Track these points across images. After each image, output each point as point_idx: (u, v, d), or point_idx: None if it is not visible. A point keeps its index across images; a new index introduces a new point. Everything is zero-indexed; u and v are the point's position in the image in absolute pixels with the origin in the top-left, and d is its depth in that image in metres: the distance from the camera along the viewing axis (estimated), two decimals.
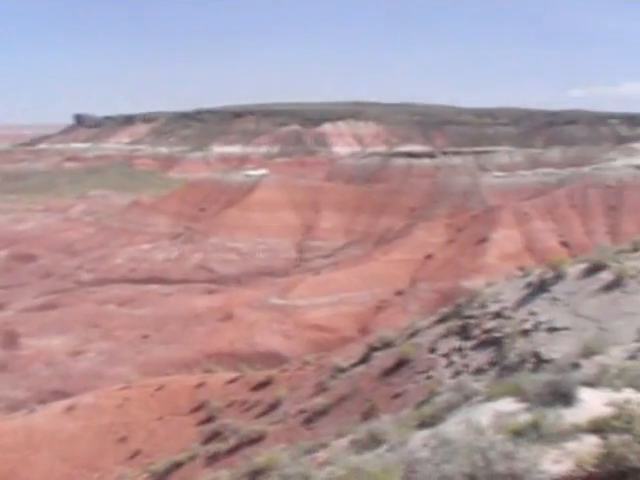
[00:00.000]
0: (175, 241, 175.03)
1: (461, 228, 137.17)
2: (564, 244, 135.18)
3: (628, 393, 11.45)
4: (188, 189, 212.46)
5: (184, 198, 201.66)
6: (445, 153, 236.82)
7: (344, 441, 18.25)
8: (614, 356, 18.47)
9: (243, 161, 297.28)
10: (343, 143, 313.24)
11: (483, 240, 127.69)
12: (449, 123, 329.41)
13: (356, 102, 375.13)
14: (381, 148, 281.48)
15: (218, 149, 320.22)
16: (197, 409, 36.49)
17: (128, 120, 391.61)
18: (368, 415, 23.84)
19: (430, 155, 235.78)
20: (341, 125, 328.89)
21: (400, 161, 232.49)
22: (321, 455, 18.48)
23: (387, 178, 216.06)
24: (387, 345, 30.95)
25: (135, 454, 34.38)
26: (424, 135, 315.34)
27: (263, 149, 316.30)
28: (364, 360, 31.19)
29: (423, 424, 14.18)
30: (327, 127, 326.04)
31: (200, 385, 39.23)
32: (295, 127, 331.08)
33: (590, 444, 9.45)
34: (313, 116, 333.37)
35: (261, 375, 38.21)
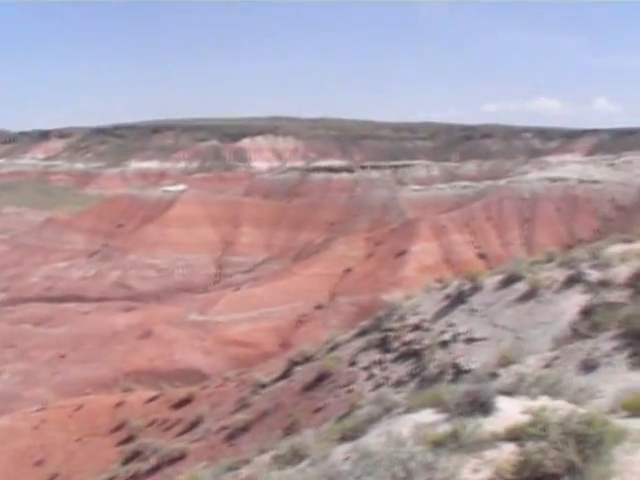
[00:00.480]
0: (92, 258, 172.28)
1: (380, 242, 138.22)
2: (481, 256, 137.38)
3: (544, 401, 11.65)
4: (105, 205, 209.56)
5: (101, 214, 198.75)
6: (363, 167, 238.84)
7: (266, 457, 18.14)
8: (530, 365, 18.81)
9: (161, 177, 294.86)
10: (262, 158, 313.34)
11: (402, 253, 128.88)
12: (367, 138, 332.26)
13: (274, 117, 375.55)
14: (299, 163, 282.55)
15: (136, 165, 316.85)
16: (117, 429, 35.89)
17: (43, 136, 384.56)
18: (290, 430, 23.80)
19: (348, 169, 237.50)
20: (260, 140, 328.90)
21: (319, 176, 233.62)
22: (243, 472, 18.36)
23: (306, 193, 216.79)
24: (308, 359, 30.98)
25: (53, 477, 33.62)
26: (342, 150, 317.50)
27: (182, 164, 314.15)
28: (285, 375, 31.16)
29: (344, 437, 14.19)
30: (246, 142, 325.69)
31: (119, 404, 38.63)
32: (214, 142, 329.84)
33: (508, 452, 9.58)
34: (232, 131, 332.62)
35: (182, 392, 37.82)
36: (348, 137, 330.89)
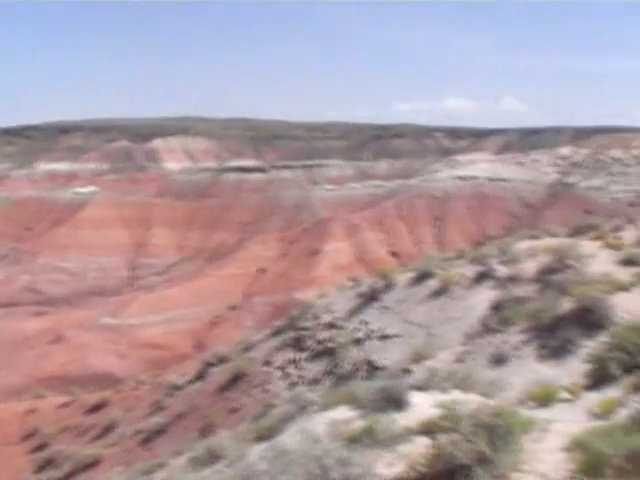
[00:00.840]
0: (0, 263, 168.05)
1: (293, 241, 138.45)
2: (394, 254, 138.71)
3: (455, 394, 11.89)
4: (13, 208, 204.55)
5: (9, 217, 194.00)
6: (276, 167, 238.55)
7: (182, 459, 18.08)
8: (442, 360, 19.16)
9: (71, 178, 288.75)
10: (174, 159, 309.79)
11: (315, 252, 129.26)
12: (280, 137, 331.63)
13: (186, 117, 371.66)
14: (212, 163, 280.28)
15: (44, 166, 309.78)
16: (28, 437, 35.17)
17: None
18: (206, 431, 23.71)
19: (261, 170, 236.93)
20: (172, 141, 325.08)
21: (231, 176, 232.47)
22: (159, 475, 18.25)
23: (219, 193, 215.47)
24: (222, 360, 30.91)
25: None
26: (255, 150, 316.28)
27: (92, 166, 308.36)
28: (200, 376, 31.02)
29: (261, 437, 14.24)
30: (157, 143, 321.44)
31: (30, 411, 37.86)
32: (125, 143, 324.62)
33: (421, 445, 9.75)
34: (143, 132, 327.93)
35: (95, 397, 37.31)
36: (261, 137, 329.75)
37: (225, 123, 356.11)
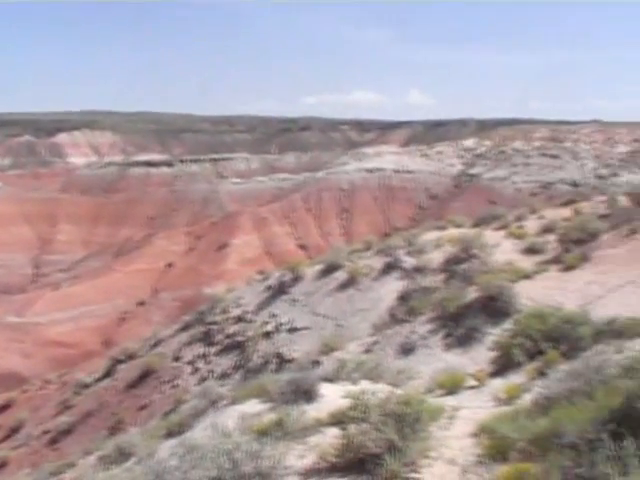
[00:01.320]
0: None
1: (201, 235, 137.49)
2: (302, 247, 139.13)
3: (364, 385, 12.01)
4: None
5: None
6: (183, 161, 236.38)
7: (92, 458, 17.80)
8: (351, 351, 19.33)
9: None
10: (79, 153, 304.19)
11: (223, 246, 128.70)
12: (186, 131, 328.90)
13: (91, 111, 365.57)
14: (118, 158, 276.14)
15: None
16: None
17: None
18: (115, 429, 23.42)
19: (168, 164, 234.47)
20: (77, 135, 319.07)
21: (138, 170, 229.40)
22: (68, 476, 17.94)
23: (125, 188, 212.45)
24: (131, 357, 30.56)
25: None
26: (161, 144, 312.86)
27: None
28: (108, 374, 30.61)
29: (171, 433, 14.14)
30: (62, 137, 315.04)
31: None
32: (28, 137, 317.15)
33: (331, 436, 9.82)
34: (47, 126, 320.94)
35: None
36: (167, 131, 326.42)
37: (131, 117, 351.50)
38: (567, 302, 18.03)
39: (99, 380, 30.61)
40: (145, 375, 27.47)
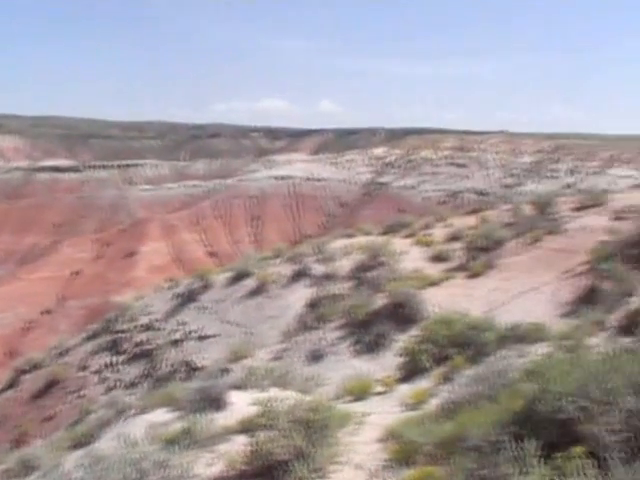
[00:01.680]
0: None
1: (109, 243, 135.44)
2: (212, 254, 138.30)
3: (273, 392, 12.04)
4: None
5: None
6: (91, 167, 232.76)
7: None
8: (260, 358, 19.34)
9: None
10: None
11: (132, 254, 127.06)
12: (94, 137, 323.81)
13: None
14: (23, 163, 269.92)
15: None
16: None
17: None
18: (19, 442, 22.90)
19: (75, 169, 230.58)
20: None
21: (44, 176, 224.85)
22: None
23: (31, 193, 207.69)
24: (36, 367, 29.87)
25: None
26: (69, 149, 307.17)
27: None
28: (12, 385, 29.84)
29: (77, 444, 13.93)
30: None
31: None
32: None
33: (240, 444, 9.83)
34: None
35: None
36: (75, 136, 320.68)
37: (37, 121, 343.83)
38: (472, 308, 18.40)
39: (2, 392, 29.83)
40: (50, 385, 26.91)
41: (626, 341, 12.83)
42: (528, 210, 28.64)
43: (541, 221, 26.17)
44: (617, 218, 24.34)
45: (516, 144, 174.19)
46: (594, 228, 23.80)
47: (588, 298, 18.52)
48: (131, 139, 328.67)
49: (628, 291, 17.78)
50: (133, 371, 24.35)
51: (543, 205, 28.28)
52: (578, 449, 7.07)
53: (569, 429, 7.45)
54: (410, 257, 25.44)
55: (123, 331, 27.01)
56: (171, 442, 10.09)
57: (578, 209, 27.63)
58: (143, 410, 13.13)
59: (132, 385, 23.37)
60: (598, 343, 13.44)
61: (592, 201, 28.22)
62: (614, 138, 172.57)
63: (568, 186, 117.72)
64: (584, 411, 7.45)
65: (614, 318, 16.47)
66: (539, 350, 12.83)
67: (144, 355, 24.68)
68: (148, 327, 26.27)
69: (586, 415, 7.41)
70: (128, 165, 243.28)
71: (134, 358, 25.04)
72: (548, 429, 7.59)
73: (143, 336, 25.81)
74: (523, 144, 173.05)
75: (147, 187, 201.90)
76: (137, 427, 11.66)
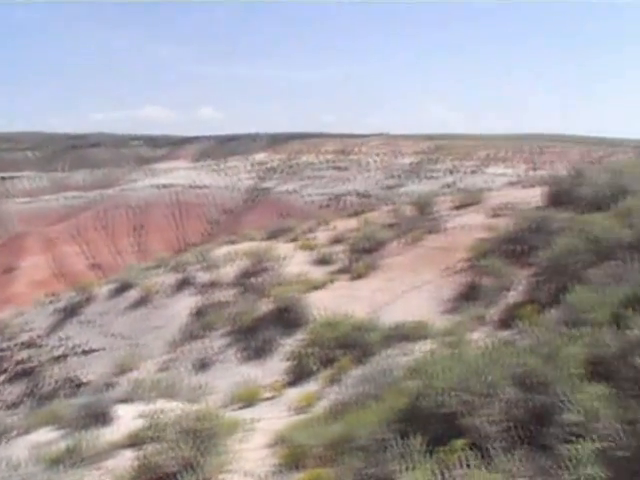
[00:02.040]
0: None
1: None
2: (95, 266, 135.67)
3: (160, 403, 11.91)
4: None
5: None
6: None
7: None
8: (147, 370, 19.08)
9: None
10: None
11: (11, 269, 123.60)
12: None
13: None
14: None
15: None
16: None
17: None
18: None
19: None
20: None
21: None
22: None
23: None
24: None
25: None
26: None
27: None
28: None
29: None
30: None
31: None
32: None
33: (128, 458, 9.68)
34: None
35: None
36: None
37: None
38: (357, 310, 18.60)
39: None
40: None
41: (505, 334, 13.19)
42: (409, 210, 29.17)
43: (421, 221, 26.70)
44: (494, 215, 25.03)
45: (396, 146, 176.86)
46: (473, 226, 24.40)
47: (469, 294, 18.98)
48: (4, 151, 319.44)
49: (506, 286, 18.30)
50: (15, 390, 23.65)
51: (423, 205, 28.89)
52: (459, 442, 7.26)
53: (452, 423, 7.63)
54: (294, 261, 25.55)
55: (2, 350, 26.22)
56: (56, 462, 9.86)
57: (457, 208, 28.33)
58: (26, 430, 12.77)
59: (14, 405, 22.70)
60: (479, 338, 13.77)
61: (470, 200, 28.99)
62: (491, 137, 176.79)
63: (447, 186, 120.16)
64: (466, 404, 7.64)
65: (494, 312, 16.93)
66: (422, 347, 13.07)
67: (26, 373, 24.02)
68: (29, 344, 25.57)
69: (468, 408, 7.61)
70: (4, 178, 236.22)
71: (16, 377, 24.34)
72: (432, 424, 7.76)
73: (24, 354, 25.11)
74: (403, 145, 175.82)
75: (24, 200, 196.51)
76: (20, 448, 11.33)
